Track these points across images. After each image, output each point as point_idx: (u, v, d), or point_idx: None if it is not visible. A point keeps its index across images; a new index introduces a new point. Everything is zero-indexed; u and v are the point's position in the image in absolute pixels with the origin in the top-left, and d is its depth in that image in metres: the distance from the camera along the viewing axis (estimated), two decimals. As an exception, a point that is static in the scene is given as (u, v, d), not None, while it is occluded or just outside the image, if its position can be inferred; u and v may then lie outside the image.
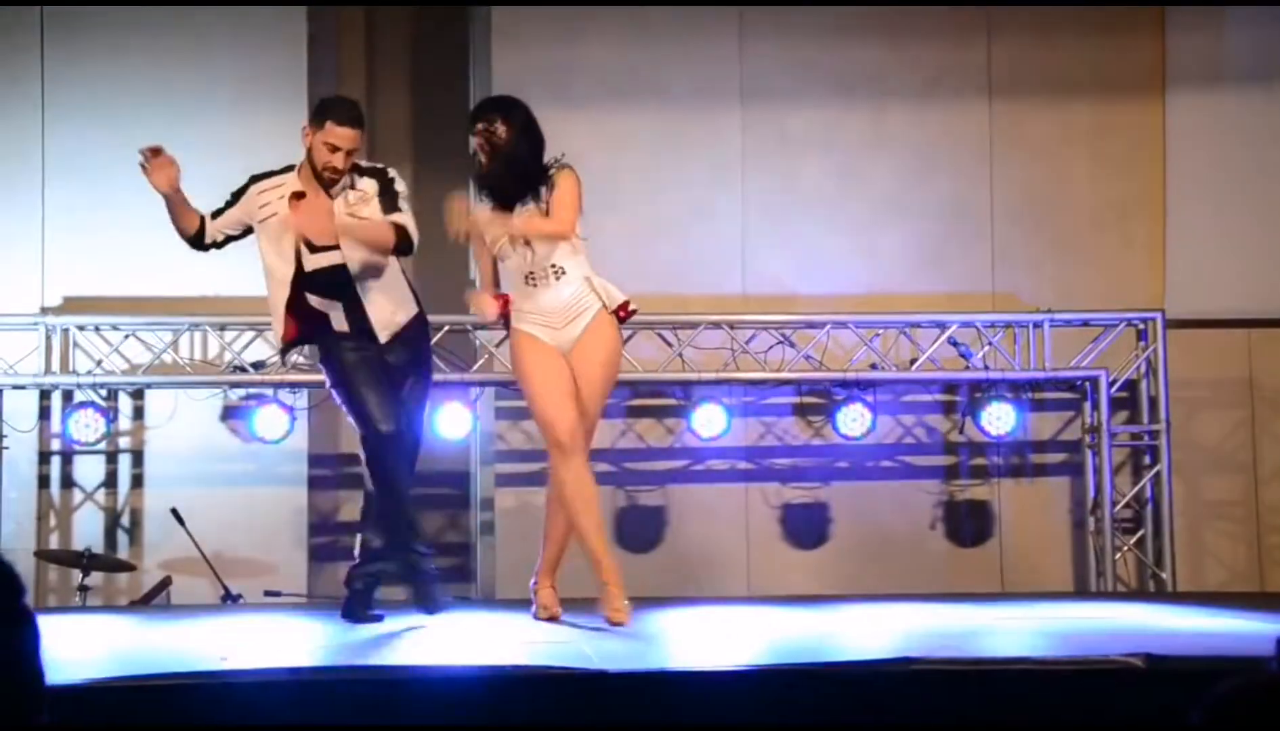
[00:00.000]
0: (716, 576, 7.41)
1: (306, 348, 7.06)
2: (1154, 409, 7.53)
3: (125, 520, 7.44)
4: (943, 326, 7.43)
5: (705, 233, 7.64)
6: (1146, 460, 7.58)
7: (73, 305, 7.34)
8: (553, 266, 4.87)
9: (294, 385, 7.15)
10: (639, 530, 7.56)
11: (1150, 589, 7.44)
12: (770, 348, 7.39)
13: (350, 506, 7.75)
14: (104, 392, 7.28)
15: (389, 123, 7.87)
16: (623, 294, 4.98)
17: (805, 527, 7.65)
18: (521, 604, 5.34)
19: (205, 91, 7.44)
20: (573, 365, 4.92)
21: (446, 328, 7.06)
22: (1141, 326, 7.53)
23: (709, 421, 7.33)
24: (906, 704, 3.51)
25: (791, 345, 7.40)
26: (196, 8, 7.43)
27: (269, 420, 7.09)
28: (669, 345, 7.38)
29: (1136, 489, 7.54)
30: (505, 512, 7.47)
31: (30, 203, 7.41)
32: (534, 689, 3.50)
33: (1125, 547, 7.50)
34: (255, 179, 5.09)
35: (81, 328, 7.19)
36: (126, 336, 7.24)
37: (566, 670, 3.64)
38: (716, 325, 7.38)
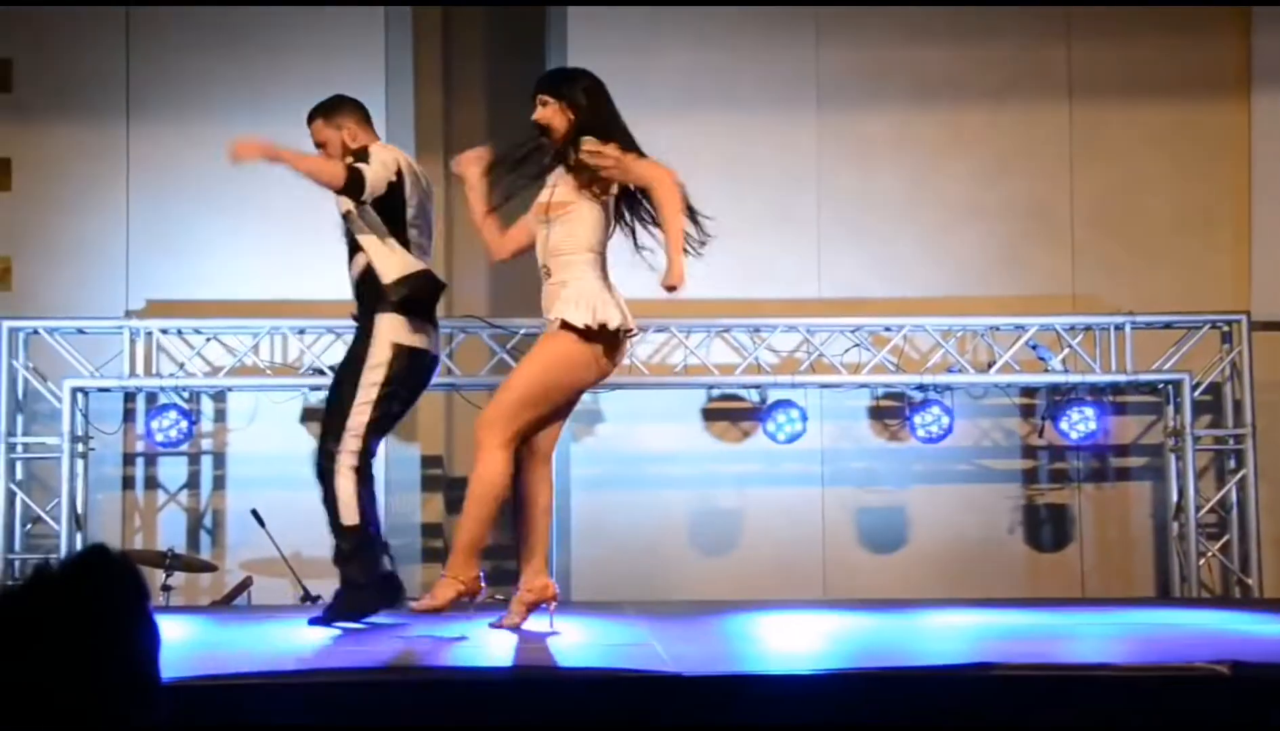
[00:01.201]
0: (792, 580, 7.38)
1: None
2: (1238, 412, 7.42)
3: (207, 521, 7.54)
4: (1022, 329, 7.36)
5: (781, 236, 7.63)
6: (1231, 464, 7.46)
7: (156, 309, 7.45)
8: (544, 265, 4.70)
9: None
10: (714, 533, 7.55)
11: (1235, 595, 7.33)
12: (846, 350, 7.36)
13: (429, 507, 7.81)
14: (186, 395, 7.39)
15: (465, 126, 7.91)
16: (578, 313, 4.55)
17: (882, 531, 7.61)
18: (594, 606, 5.34)
19: (284, 94, 7.52)
20: None
21: (522, 332, 7.11)
22: (1226, 329, 7.42)
23: (784, 424, 7.31)
24: (985, 710, 3.48)
25: (868, 348, 7.37)
26: (277, 9, 7.52)
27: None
28: (745, 348, 7.37)
29: (1221, 493, 7.43)
30: (581, 515, 7.49)
31: (115, 207, 7.53)
32: (606, 691, 3.50)
33: (1209, 553, 7.39)
34: None
35: (165, 331, 7.30)
36: (208, 340, 7.35)
37: (639, 672, 3.64)
38: (792, 328, 7.36)
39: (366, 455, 5.02)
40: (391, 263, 5.03)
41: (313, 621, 4.96)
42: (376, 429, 5.03)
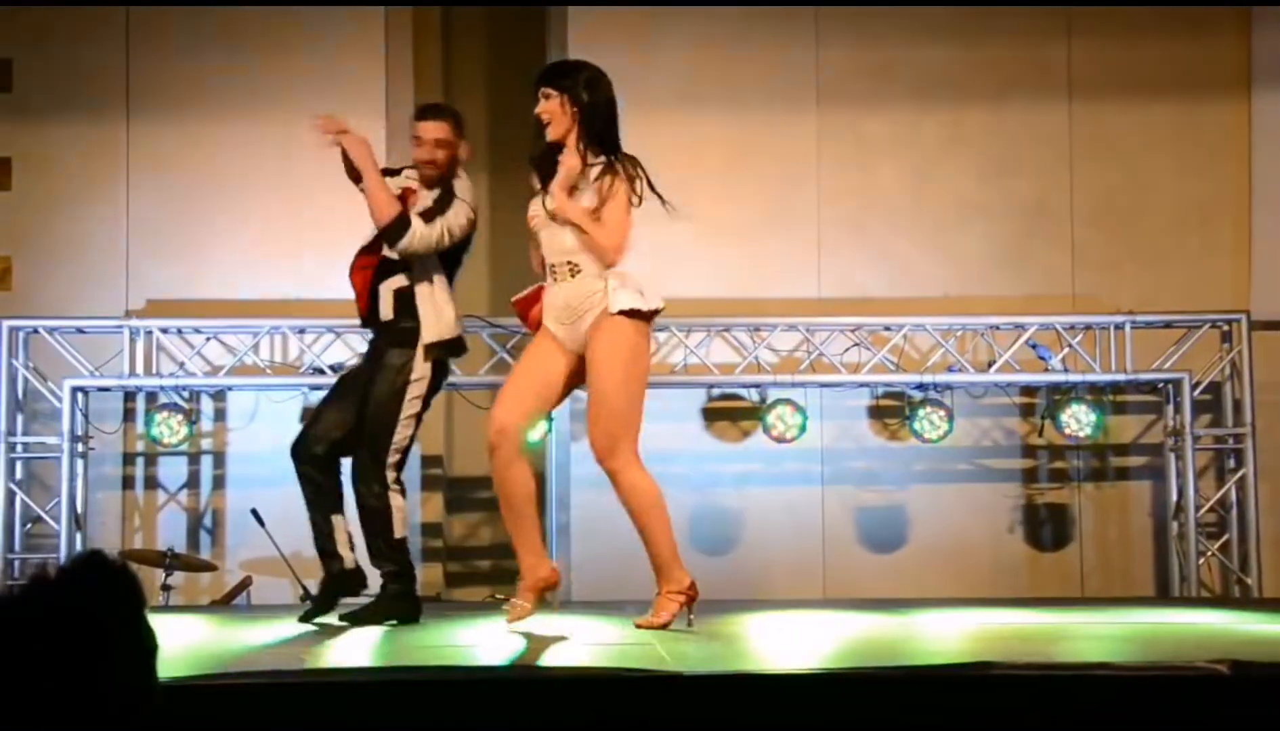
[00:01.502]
0: (792, 579, 7.39)
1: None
2: (1238, 411, 7.42)
3: (207, 520, 7.55)
4: (1022, 328, 7.36)
5: (781, 235, 7.63)
6: (1230, 463, 7.47)
7: (156, 308, 7.45)
8: (569, 262, 4.69)
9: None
10: (714, 532, 7.55)
11: (1235, 594, 7.33)
12: (846, 350, 7.36)
13: (429, 507, 7.81)
14: (186, 394, 7.39)
15: (465, 126, 7.90)
16: (637, 298, 4.61)
17: (882, 531, 7.61)
18: (597, 605, 5.34)
19: (284, 94, 7.53)
20: (587, 366, 4.71)
21: (522, 332, 7.10)
22: (1225, 328, 7.42)
23: (784, 424, 7.31)
24: (984, 709, 3.48)
25: (868, 347, 7.37)
26: (277, 9, 7.52)
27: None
28: (745, 347, 7.37)
29: (1221, 493, 7.43)
30: (581, 514, 7.49)
31: (115, 206, 7.53)
32: (606, 691, 3.50)
33: (1209, 552, 7.39)
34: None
35: (165, 330, 7.30)
36: (208, 339, 7.35)
37: (640, 672, 3.64)
38: (792, 327, 7.36)
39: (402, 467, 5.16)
40: (437, 321, 5.10)
41: (345, 618, 5.01)
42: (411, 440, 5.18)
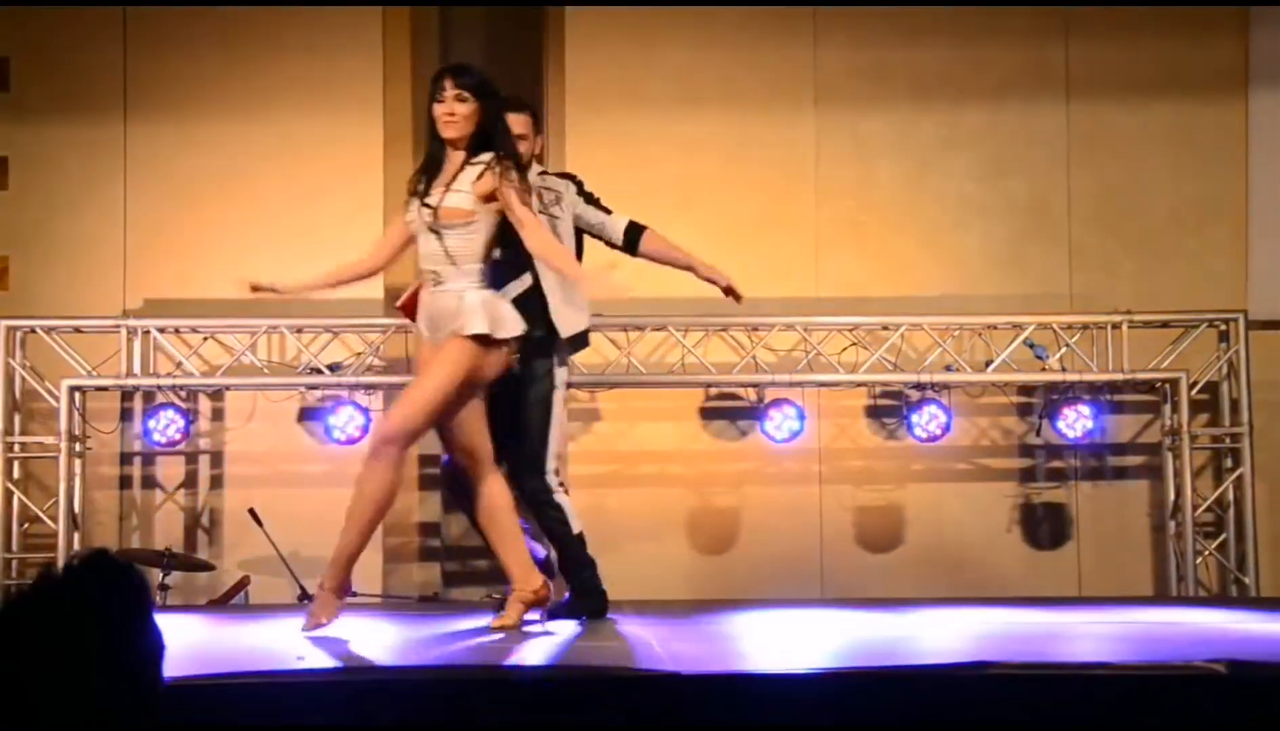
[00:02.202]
0: (789, 579, 7.39)
1: (382, 347, 7.18)
2: (1235, 411, 7.43)
3: (205, 520, 7.54)
4: (1019, 328, 7.37)
5: (779, 234, 7.63)
6: (1228, 463, 7.47)
7: (153, 307, 7.45)
8: (433, 272, 4.67)
9: (370, 387, 7.22)
10: (712, 532, 7.55)
11: (1232, 594, 7.33)
12: (844, 349, 7.36)
13: (425, 507, 7.81)
14: (184, 394, 7.39)
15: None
16: (485, 323, 4.58)
17: (879, 530, 7.61)
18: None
19: (282, 94, 7.53)
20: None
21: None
22: (1223, 327, 7.43)
23: (782, 423, 7.31)
24: (981, 709, 3.48)
25: (865, 347, 7.37)
26: (276, 9, 7.52)
27: (345, 421, 7.16)
28: (742, 347, 7.37)
29: (1218, 492, 7.43)
30: (579, 514, 7.47)
31: (113, 206, 7.53)
32: (605, 691, 3.50)
33: (1206, 552, 7.39)
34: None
35: (162, 330, 7.30)
36: (206, 339, 7.34)
37: (637, 671, 3.65)
38: (790, 326, 7.36)
39: None
40: (573, 318, 5.19)
41: (552, 615, 4.99)
42: None
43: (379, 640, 4.73)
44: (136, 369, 7.20)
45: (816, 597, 7.19)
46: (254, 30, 7.56)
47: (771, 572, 7.42)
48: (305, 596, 6.79)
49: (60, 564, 1.99)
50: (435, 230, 4.64)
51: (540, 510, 5.20)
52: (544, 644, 4.51)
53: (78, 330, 7.23)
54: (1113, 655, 4.35)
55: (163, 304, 7.45)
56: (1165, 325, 7.43)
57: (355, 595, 7.16)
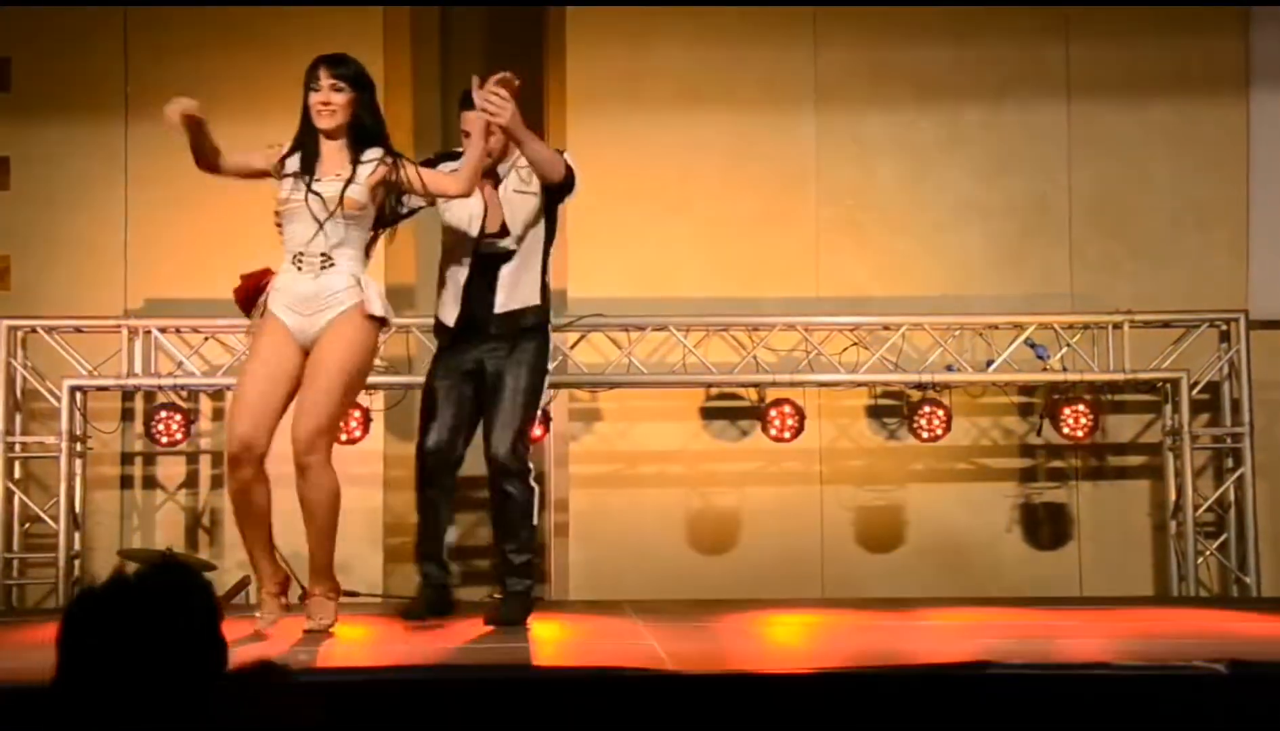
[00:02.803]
0: (790, 579, 7.38)
1: (382, 347, 7.18)
2: (1236, 411, 7.43)
3: (206, 520, 7.54)
4: (1020, 327, 7.37)
5: (779, 235, 7.63)
6: (1229, 463, 7.47)
7: (154, 307, 7.45)
8: (323, 255, 4.71)
9: (369, 387, 7.21)
10: (712, 532, 7.55)
11: (1233, 594, 7.33)
12: (845, 349, 7.36)
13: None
14: (184, 394, 7.38)
15: (464, 125, 7.90)
16: (384, 308, 4.76)
17: (880, 530, 7.61)
18: (593, 605, 5.34)
19: (283, 92, 7.50)
20: (310, 356, 4.72)
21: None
22: (1224, 327, 7.43)
23: (783, 423, 7.31)
24: (982, 709, 3.48)
25: (866, 347, 7.37)
26: (276, 9, 7.52)
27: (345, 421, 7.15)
28: (743, 347, 7.37)
29: (1219, 492, 7.43)
30: (579, 514, 7.49)
31: (114, 205, 7.53)
32: (605, 691, 3.50)
33: (1207, 552, 7.39)
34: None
35: (163, 330, 7.30)
36: (207, 338, 7.34)
37: (639, 672, 3.65)
38: (791, 326, 7.36)
39: None
40: (545, 282, 5.19)
41: (495, 622, 4.93)
42: None
43: (380, 641, 4.73)
44: (137, 369, 7.20)
45: (817, 597, 7.19)
46: (254, 30, 7.55)
47: (772, 572, 7.41)
48: (306, 596, 6.79)
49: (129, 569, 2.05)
50: (323, 218, 4.69)
51: (523, 480, 5.09)
52: (544, 645, 4.51)
53: (78, 330, 7.23)
54: (1113, 655, 4.35)
55: (163, 304, 7.45)
56: (1166, 325, 7.43)
57: (355, 595, 7.19)
